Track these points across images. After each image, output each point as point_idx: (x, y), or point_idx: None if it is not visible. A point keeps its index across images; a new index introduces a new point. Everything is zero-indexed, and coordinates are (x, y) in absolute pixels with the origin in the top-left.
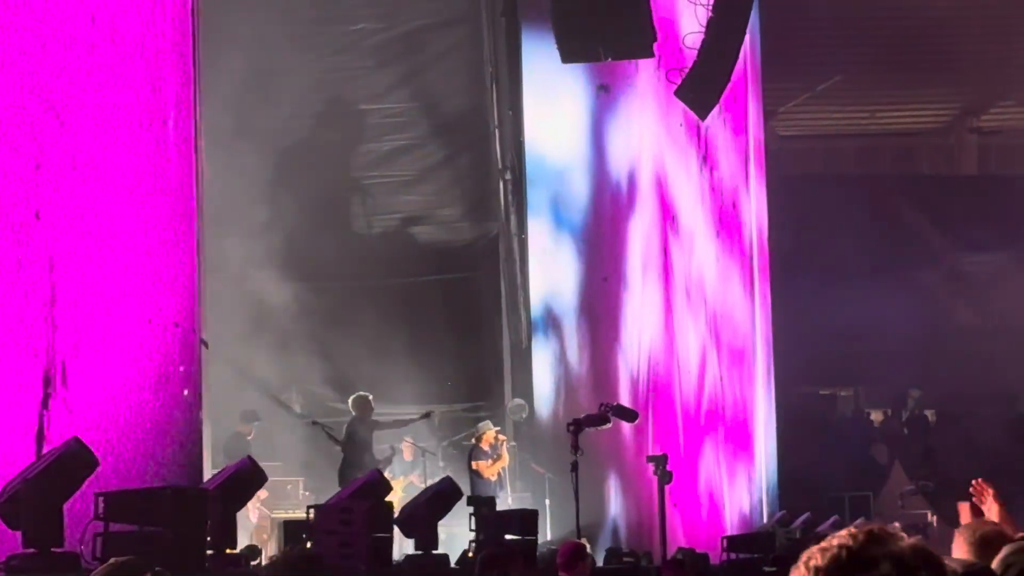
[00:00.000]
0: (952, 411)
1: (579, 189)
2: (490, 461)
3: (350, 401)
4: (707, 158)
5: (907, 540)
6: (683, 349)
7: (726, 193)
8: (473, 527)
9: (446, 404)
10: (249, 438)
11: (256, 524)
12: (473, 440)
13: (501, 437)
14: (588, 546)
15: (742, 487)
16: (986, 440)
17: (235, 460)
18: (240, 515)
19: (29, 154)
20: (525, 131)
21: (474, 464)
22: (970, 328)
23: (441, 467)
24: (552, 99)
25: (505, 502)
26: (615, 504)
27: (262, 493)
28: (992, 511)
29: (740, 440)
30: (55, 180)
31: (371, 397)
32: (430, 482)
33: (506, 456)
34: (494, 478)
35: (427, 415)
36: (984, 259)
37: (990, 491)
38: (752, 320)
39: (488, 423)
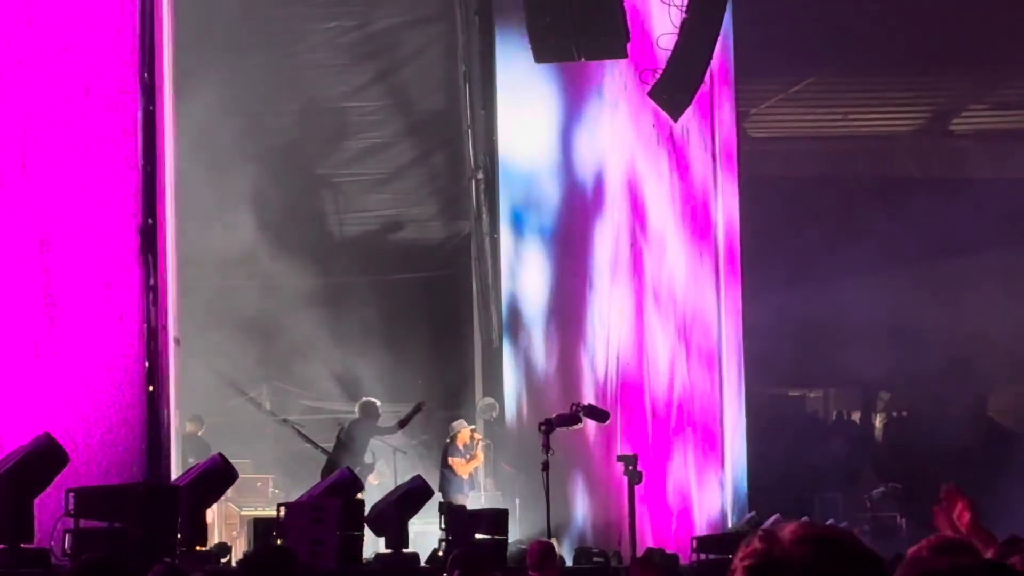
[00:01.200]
0: (922, 413)
1: (548, 190)
2: (465, 459)
3: (358, 405)
4: (678, 159)
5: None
6: (652, 350)
7: (697, 194)
8: (443, 526)
9: (415, 402)
10: (199, 434)
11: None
12: (448, 438)
13: (476, 436)
14: (556, 546)
15: (712, 488)
16: (956, 441)
17: (198, 459)
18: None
19: None
20: (498, 131)
21: (449, 460)
22: (941, 330)
23: (410, 466)
24: (524, 99)
25: (478, 501)
26: (584, 504)
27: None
28: (962, 520)
29: (710, 441)
30: (18, 178)
31: (379, 404)
32: (399, 480)
33: (481, 456)
34: (466, 476)
35: (419, 408)
36: (956, 262)
37: (962, 500)
38: (720, 320)
39: (463, 421)
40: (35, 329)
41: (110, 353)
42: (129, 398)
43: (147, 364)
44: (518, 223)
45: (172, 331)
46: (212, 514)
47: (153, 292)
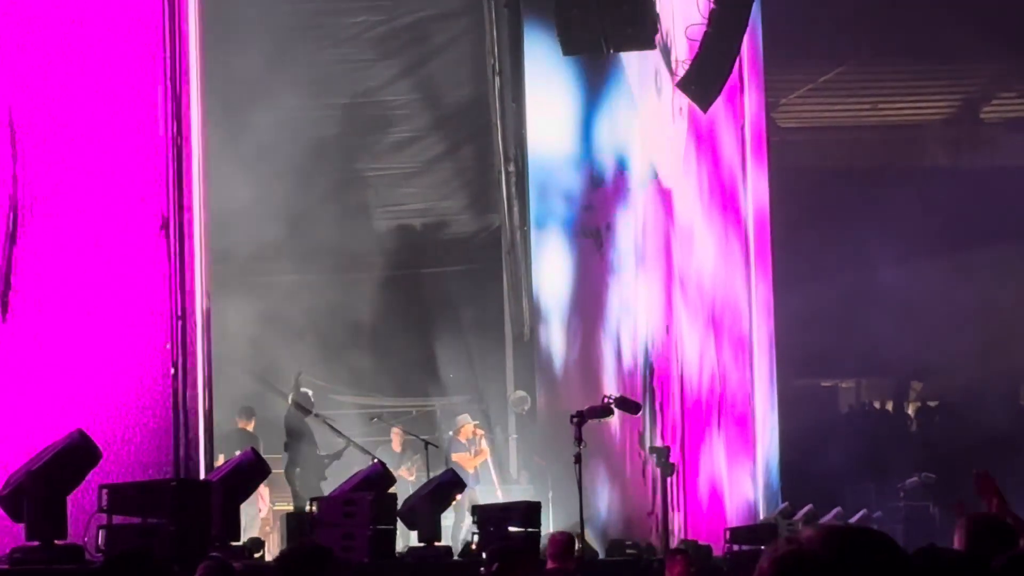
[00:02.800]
0: (954, 402)
1: (573, 181)
2: (470, 454)
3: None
4: (707, 149)
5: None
6: (682, 340)
7: (726, 184)
8: (474, 521)
9: (447, 396)
10: (250, 428)
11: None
12: (451, 433)
13: (479, 431)
14: (589, 538)
15: (744, 479)
16: (989, 430)
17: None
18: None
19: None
20: (527, 123)
21: (454, 456)
22: (973, 319)
23: (443, 460)
24: (552, 91)
25: (494, 495)
26: (616, 496)
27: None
28: (991, 504)
29: (742, 432)
30: (44, 173)
31: (311, 393)
32: (432, 474)
33: (486, 451)
34: (471, 471)
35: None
36: (987, 250)
37: (991, 488)
38: (751, 311)
39: (466, 416)
40: (55, 320)
41: (136, 343)
42: (155, 388)
43: (173, 354)
44: (543, 215)
45: (200, 320)
46: (259, 508)
47: (179, 280)
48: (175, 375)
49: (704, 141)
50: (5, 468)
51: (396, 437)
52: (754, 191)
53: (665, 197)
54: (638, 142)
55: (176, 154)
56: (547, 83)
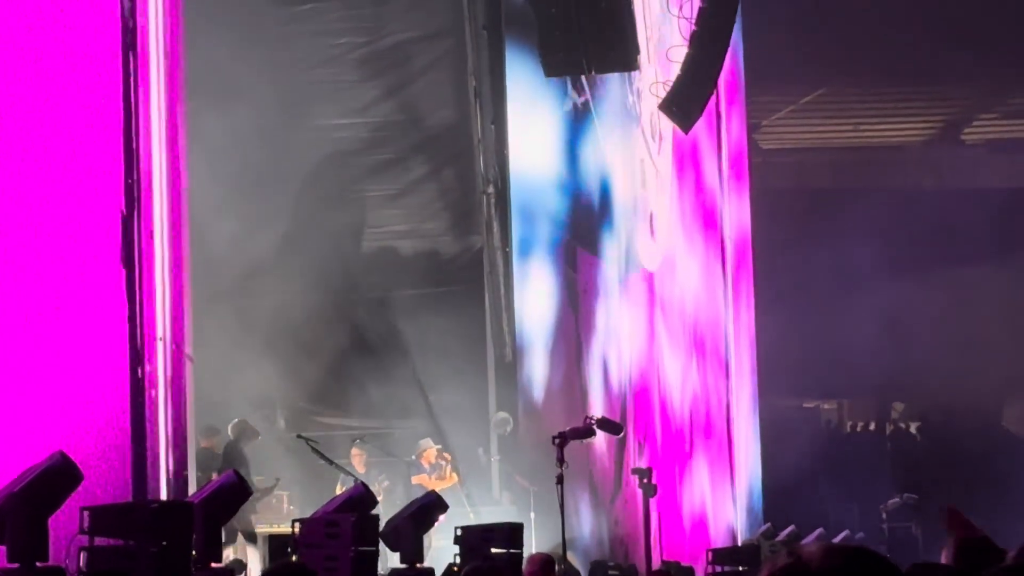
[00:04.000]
0: (936, 423)
1: (556, 204)
2: (430, 477)
3: (230, 427)
4: (687, 171)
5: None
6: (665, 363)
7: (707, 205)
8: (456, 545)
9: (430, 417)
10: (218, 452)
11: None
12: (412, 456)
13: (446, 456)
14: (572, 559)
15: (727, 500)
16: (970, 452)
17: (209, 474)
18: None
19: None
20: (508, 145)
21: (414, 479)
22: (955, 340)
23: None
24: (534, 113)
25: (492, 515)
26: (598, 517)
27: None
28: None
29: (724, 453)
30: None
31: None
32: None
33: (455, 477)
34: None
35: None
36: (969, 272)
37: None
38: (730, 333)
39: (428, 440)
40: (15, 338)
41: (100, 364)
42: (120, 411)
43: (139, 375)
44: (527, 238)
45: (184, 346)
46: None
47: (131, 302)
48: (153, 395)
49: (685, 163)
50: None
51: (356, 458)
52: (736, 212)
53: (647, 219)
54: (621, 164)
55: (135, 173)
56: (529, 105)
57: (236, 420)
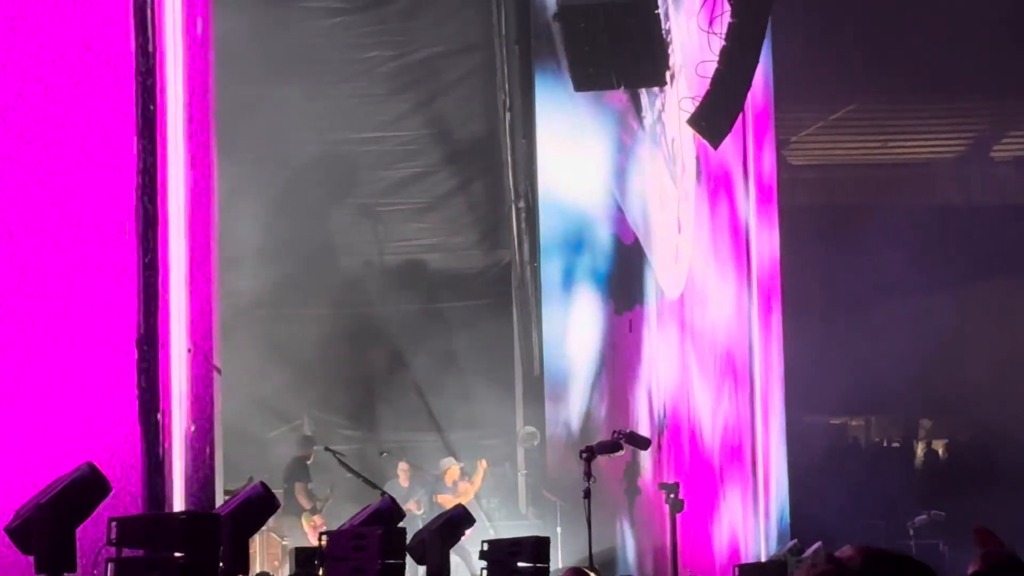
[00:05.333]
0: (964, 440)
1: (598, 229)
2: (453, 495)
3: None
4: (716, 189)
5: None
6: (697, 380)
7: (736, 224)
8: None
9: (457, 431)
10: (309, 462)
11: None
12: (436, 472)
13: (476, 479)
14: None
15: (754, 516)
16: (998, 469)
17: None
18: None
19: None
20: (538, 159)
21: (438, 498)
22: (984, 357)
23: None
24: (565, 128)
25: (519, 530)
26: (627, 532)
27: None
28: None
29: (752, 469)
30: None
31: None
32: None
33: (478, 481)
34: None
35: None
36: (998, 288)
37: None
38: (758, 352)
39: (451, 459)
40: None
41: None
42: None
43: (144, 383)
44: (568, 263)
45: (211, 357)
46: (254, 544)
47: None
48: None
49: (711, 186)
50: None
51: (403, 472)
52: (764, 228)
53: (681, 234)
54: (653, 186)
55: (149, 181)
56: (560, 119)
57: (306, 434)
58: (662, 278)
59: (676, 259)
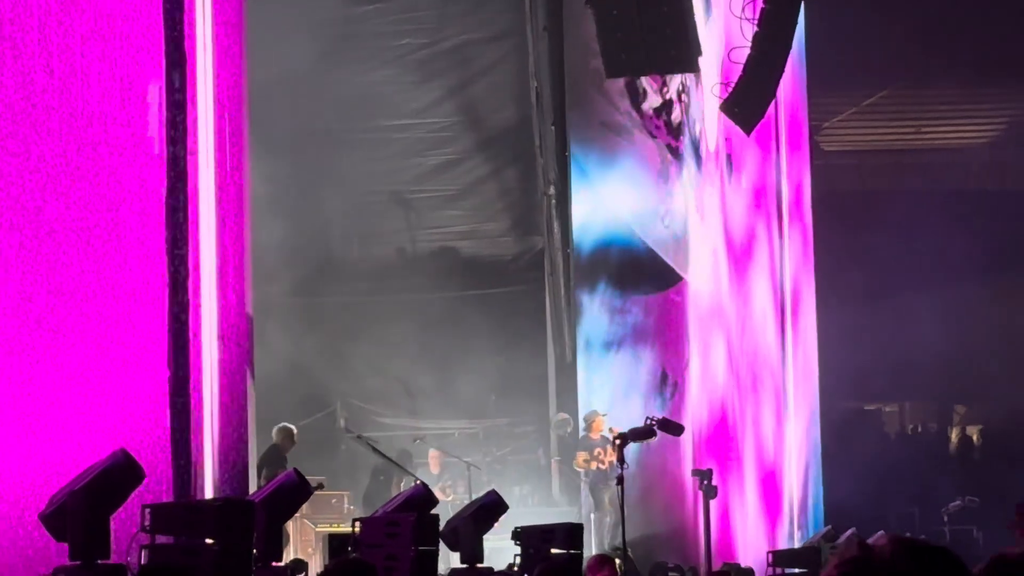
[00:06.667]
0: (998, 426)
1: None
2: (604, 449)
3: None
4: (751, 179)
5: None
6: (724, 368)
7: (769, 208)
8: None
9: (490, 418)
10: (286, 454)
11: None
12: (582, 430)
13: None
14: (631, 560)
15: (787, 502)
16: None
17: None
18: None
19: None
20: (570, 147)
21: (597, 451)
22: (1019, 343)
23: (485, 481)
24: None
25: (549, 516)
26: (660, 518)
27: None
28: None
29: (786, 454)
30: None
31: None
32: (474, 495)
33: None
34: (606, 466)
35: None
36: None
37: None
38: (789, 336)
39: (596, 411)
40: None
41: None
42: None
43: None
44: (592, 238)
45: (244, 344)
46: (288, 530)
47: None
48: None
49: (744, 168)
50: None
51: (433, 459)
52: (796, 215)
53: (711, 225)
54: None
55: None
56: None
57: (282, 424)
58: (688, 265)
59: (703, 246)
